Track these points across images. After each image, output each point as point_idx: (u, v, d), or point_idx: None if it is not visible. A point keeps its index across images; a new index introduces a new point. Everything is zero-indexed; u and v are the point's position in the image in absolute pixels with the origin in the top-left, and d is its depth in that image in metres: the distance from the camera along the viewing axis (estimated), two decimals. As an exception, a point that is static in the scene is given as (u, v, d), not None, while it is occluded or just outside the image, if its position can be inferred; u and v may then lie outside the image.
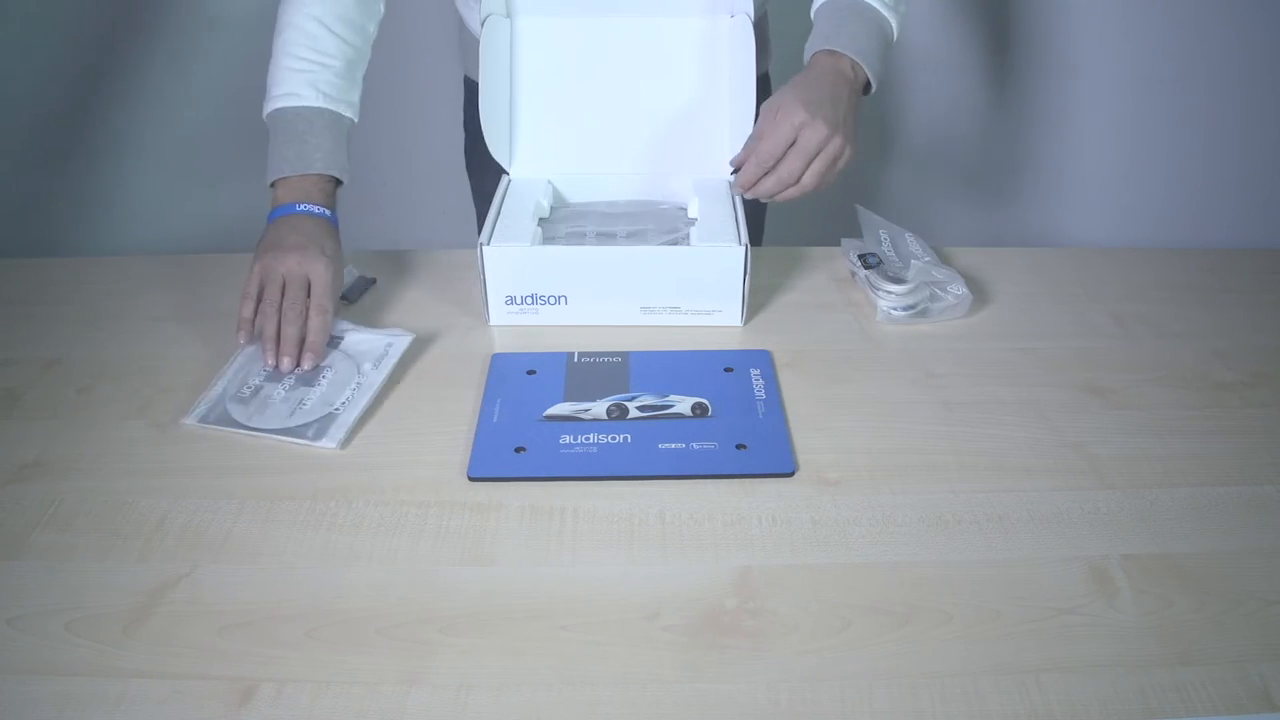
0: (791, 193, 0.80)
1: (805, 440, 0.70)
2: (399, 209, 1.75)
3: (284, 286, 0.78)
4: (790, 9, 1.03)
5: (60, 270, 0.94)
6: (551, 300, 0.83)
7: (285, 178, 0.83)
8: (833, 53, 0.82)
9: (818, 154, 0.78)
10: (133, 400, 0.75)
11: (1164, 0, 1.55)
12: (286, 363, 0.75)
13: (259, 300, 0.78)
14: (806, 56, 0.85)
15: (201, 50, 1.61)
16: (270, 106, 0.84)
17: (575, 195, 0.95)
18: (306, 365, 0.75)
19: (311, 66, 0.83)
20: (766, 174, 0.79)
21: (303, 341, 0.76)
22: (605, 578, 0.58)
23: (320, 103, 0.83)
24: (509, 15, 0.91)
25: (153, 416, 0.73)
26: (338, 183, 0.85)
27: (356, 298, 0.88)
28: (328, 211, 0.83)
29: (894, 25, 0.86)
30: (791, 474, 0.66)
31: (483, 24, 0.88)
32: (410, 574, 0.59)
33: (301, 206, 0.82)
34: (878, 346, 0.81)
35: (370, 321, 0.83)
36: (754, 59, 0.87)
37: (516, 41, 0.92)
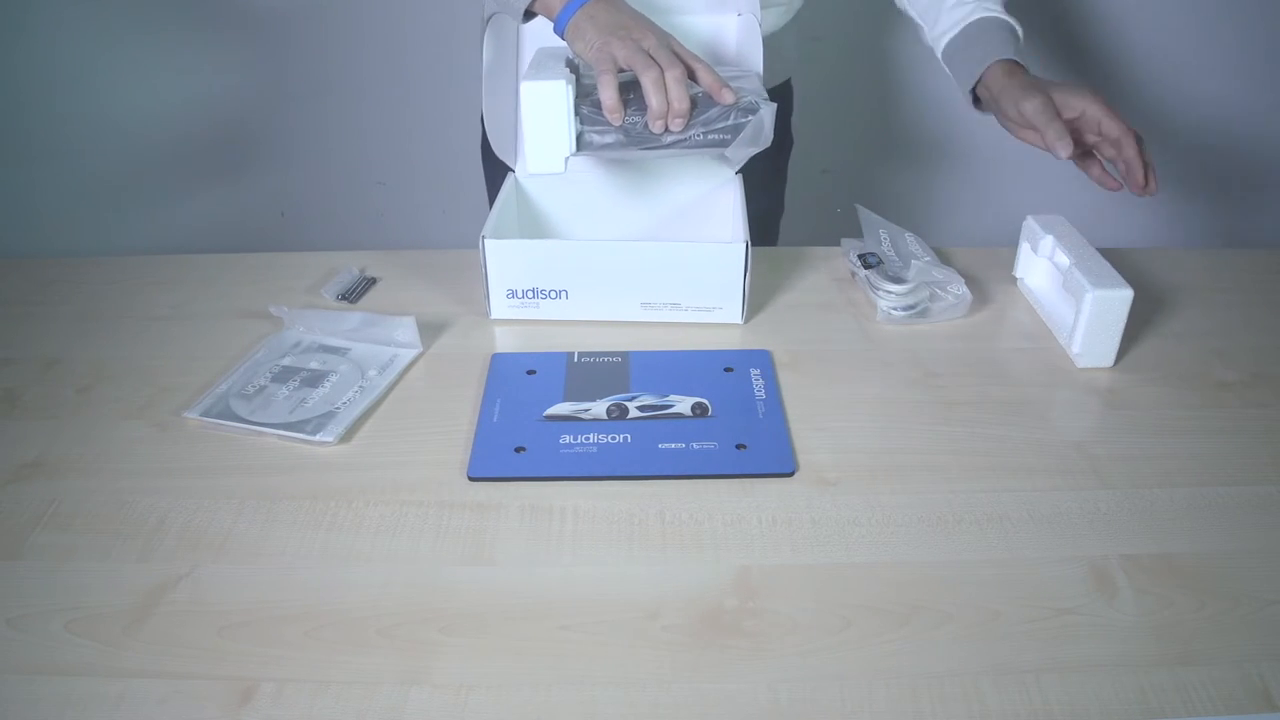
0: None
1: (805, 440, 0.70)
2: (405, 207, 1.76)
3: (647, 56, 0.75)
4: (815, 20, 1.03)
5: (60, 270, 0.94)
6: (552, 295, 0.83)
7: None
8: (1014, 64, 0.85)
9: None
10: (133, 400, 0.75)
11: (1163, 2, 1.55)
12: (679, 123, 0.75)
13: (617, 85, 0.75)
14: (979, 71, 0.85)
15: (202, 51, 1.61)
16: None
17: (578, 198, 0.95)
18: (728, 99, 0.75)
19: None
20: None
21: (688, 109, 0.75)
22: (605, 578, 0.58)
23: None
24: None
25: (153, 416, 0.73)
26: None
27: (357, 298, 0.88)
28: None
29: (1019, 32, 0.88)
30: (791, 474, 0.66)
31: (487, 22, 0.88)
32: (410, 574, 0.59)
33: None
34: (878, 346, 0.81)
35: (370, 321, 0.83)
36: (760, 57, 0.87)
37: (523, 39, 0.92)
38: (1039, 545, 0.60)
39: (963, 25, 0.87)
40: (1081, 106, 0.81)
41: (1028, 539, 0.61)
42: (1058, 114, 0.80)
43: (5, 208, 1.77)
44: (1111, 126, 0.80)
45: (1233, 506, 0.63)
